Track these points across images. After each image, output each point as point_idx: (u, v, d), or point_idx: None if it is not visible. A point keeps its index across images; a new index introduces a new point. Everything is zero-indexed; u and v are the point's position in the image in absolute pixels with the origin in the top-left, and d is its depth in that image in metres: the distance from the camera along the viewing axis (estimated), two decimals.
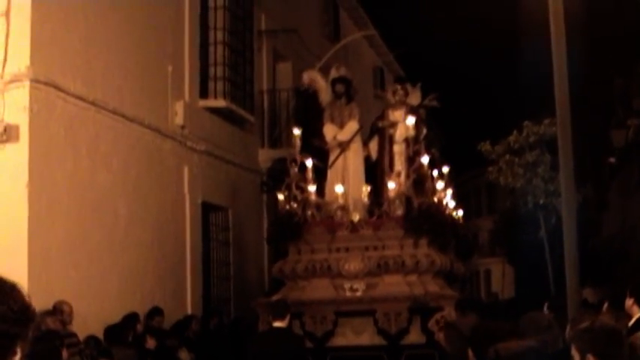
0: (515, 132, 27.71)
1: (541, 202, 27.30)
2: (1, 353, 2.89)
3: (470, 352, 5.91)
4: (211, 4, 17.46)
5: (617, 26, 25.18)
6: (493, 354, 4.83)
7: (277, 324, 10.89)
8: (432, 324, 13.07)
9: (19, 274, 6.88)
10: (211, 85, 17.16)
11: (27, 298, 2.91)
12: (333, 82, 15.12)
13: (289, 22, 21.19)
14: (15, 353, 2.90)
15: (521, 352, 4.79)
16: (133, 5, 14.25)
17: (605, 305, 9.68)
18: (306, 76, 15.81)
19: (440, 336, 12.80)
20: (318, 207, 14.25)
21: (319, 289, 13.84)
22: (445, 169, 15.26)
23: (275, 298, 13.91)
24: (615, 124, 25.86)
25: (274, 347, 10.74)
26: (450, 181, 15.68)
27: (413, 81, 15.76)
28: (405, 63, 32.23)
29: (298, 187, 14.29)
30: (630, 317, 8.58)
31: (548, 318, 6.55)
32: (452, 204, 15.69)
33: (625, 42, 25.22)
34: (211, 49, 17.33)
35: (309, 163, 14.23)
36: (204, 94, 16.88)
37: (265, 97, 20.17)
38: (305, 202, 14.20)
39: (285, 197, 14.32)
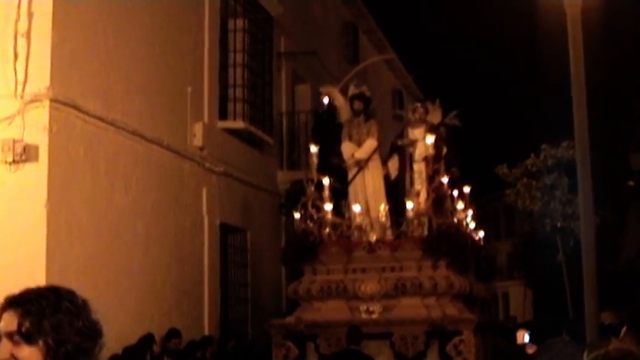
0: (532, 155, 27.61)
1: (559, 225, 27.13)
2: None
3: None
4: (231, 26, 17.54)
5: (636, 47, 25.14)
6: None
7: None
8: (450, 348, 12.94)
9: None
10: (230, 106, 17.22)
11: (95, 315, 2.97)
12: (352, 99, 15.06)
13: (308, 44, 21.23)
14: None
15: None
16: (152, 27, 14.33)
17: (624, 329, 9.60)
18: (325, 92, 15.78)
19: None
20: (335, 226, 14.17)
21: (334, 311, 13.71)
22: (466, 189, 15.10)
23: (288, 319, 13.86)
24: (634, 147, 25.77)
25: None
26: (471, 201, 15.52)
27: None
28: (423, 86, 32.23)
29: (314, 206, 14.20)
30: None
31: (572, 347, 6.41)
32: (472, 225, 15.51)
33: None
34: (230, 70, 17.41)
35: (325, 181, 14.15)
36: (223, 115, 16.92)
37: (284, 118, 20.21)
38: (321, 222, 14.12)
39: (302, 216, 14.23)
